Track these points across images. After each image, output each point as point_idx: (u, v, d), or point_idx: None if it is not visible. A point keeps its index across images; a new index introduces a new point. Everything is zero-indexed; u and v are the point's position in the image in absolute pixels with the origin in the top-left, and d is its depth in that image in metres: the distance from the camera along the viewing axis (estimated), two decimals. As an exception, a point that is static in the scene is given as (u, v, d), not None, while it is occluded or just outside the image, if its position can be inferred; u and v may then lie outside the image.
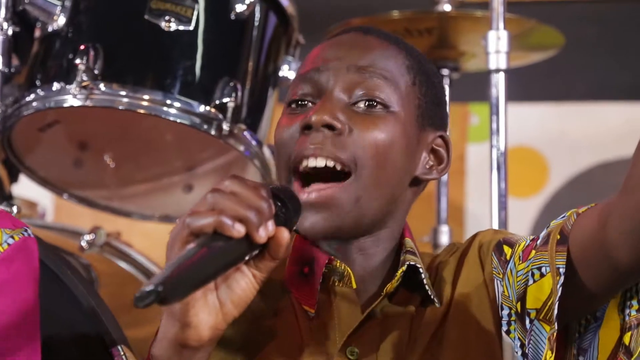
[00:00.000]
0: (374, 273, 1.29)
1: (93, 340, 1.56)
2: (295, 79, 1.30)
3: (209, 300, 1.10)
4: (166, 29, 1.79)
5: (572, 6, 2.98)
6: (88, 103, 1.75)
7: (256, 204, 1.08)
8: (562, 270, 1.16)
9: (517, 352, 1.24)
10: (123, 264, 2.09)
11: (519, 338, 1.23)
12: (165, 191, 2.13)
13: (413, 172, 1.29)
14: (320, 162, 1.23)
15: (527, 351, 1.22)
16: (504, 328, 1.24)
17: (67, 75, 1.77)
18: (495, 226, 1.96)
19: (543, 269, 1.19)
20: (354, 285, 1.26)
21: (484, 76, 2.00)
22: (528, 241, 1.25)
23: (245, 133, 1.85)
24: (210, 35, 1.82)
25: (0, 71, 1.76)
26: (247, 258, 1.11)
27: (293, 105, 1.28)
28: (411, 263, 1.27)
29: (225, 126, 1.79)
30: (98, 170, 2.10)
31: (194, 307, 1.09)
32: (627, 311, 1.19)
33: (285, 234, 1.11)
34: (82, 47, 1.75)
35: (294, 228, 1.21)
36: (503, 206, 1.96)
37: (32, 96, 1.80)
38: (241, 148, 1.86)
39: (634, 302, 1.18)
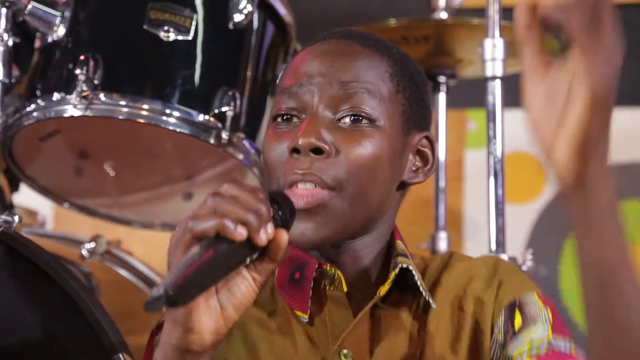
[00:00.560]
0: (364, 276, 1.31)
1: (94, 348, 1.57)
2: (279, 92, 1.32)
3: (211, 304, 1.12)
4: (165, 39, 1.81)
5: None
6: (88, 113, 1.76)
7: (256, 206, 1.10)
8: None
9: None
10: (123, 272, 2.10)
11: None
12: (165, 199, 2.15)
13: (400, 177, 1.32)
14: (309, 187, 1.25)
15: None
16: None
17: (67, 85, 1.78)
18: (493, 232, 1.97)
19: None
20: (345, 289, 1.28)
21: (482, 82, 2.01)
22: (540, 345, 1.26)
23: (244, 141, 1.86)
24: (209, 45, 1.84)
25: (1, 81, 1.77)
26: (247, 261, 1.13)
27: (279, 120, 1.30)
28: (403, 265, 1.29)
29: (224, 135, 1.80)
30: (98, 179, 2.12)
31: (196, 312, 1.11)
32: None
33: (284, 236, 1.13)
34: (81, 57, 1.77)
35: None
36: (500, 212, 1.97)
37: (33, 106, 1.81)
38: (240, 156, 1.87)
39: None
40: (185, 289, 1.04)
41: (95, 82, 1.76)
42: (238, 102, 1.83)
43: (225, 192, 1.11)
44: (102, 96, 1.77)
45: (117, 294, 2.07)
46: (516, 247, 2.73)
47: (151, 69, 1.82)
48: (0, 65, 1.77)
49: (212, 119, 1.81)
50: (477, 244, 2.80)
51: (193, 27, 1.82)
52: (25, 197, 2.21)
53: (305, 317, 1.27)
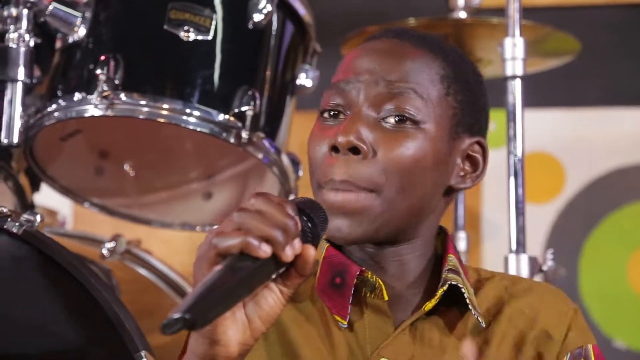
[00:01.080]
0: (409, 286, 1.29)
1: (116, 346, 1.58)
2: (329, 87, 1.30)
3: (237, 317, 1.10)
4: (185, 38, 1.81)
5: (588, 12, 2.97)
6: (109, 113, 1.77)
7: (282, 222, 1.08)
8: None
9: None
10: (143, 271, 2.10)
11: None
12: (185, 199, 2.15)
13: (446, 182, 1.29)
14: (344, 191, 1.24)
15: None
16: None
17: (88, 85, 1.79)
18: (513, 232, 1.96)
19: None
20: (386, 297, 1.26)
21: (501, 82, 2.01)
22: None
23: (264, 141, 1.86)
24: (229, 45, 1.84)
25: (22, 82, 1.78)
26: (274, 276, 1.11)
27: (325, 115, 1.29)
28: (452, 283, 1.26)
29: (244, 134, 1.81)
30: (118, 179, 2.12)
31: (222, 324, 1.09)
32: None
33: (311, 251, 1.11)
34: (102, 57, 1.78)
35: (324, 237, 1.23)
36: (520, 212, 1.96)
37: (54, 106, 1.82)
38: (260, 156, 1.87)
39: None
40: (203, 312, 1.02)
41: (116, 82, 1.77)
42: (258, 102, 1.83)
43: (252, 206, 1.09)
44: (122, 96, 1.78)
45: (136, 293, 2.08)
46: (535, 247, 2.72)
47: (171, 68, 1.82)
48: (21, 65, 1.78)
49: (232, 119, 1.82)
50: (496, 244, 2.80)
51: (213, 27, 1.83)
52: (46, 196, 2.23)
53: (344, 323, 1.25)
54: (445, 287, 1.26)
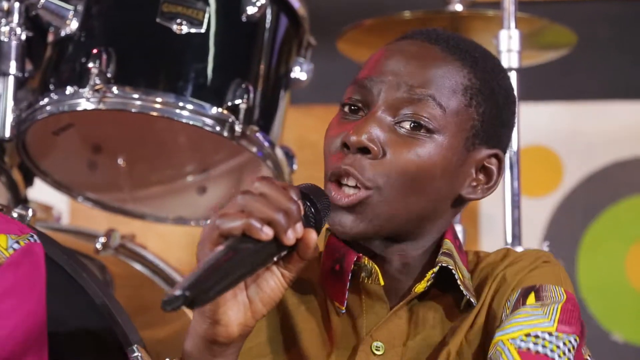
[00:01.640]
0: (407, 271, 1.30)
1: (108, 340, 1.57)
2: (353, 81, 1.30)
3: (239, 298, 1.12)
4: (178, 31, 1.80)
5: (584, 5, 2.97)
6: (101, 106, 1.76)
7: (285, 205, 1.10)
8: None
9: None
10: (138, 266, 2.10)
11: None
12: (179, 193, 2.14)
13: (456, 191, 1.29)
14: (350, 182, 1.25)
15: None
16: None
17: (80, 79, 1.78)
18: (509, 225, 1.96)
19: None
20: (382, 282, 1.27)
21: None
22: (549, 321, 1.21)
23: (258, 134, 1.85)
24: (222, 38, 1.83)
25: (14, 76, 1.78)
26: (275, 259, 1.12)
27: (345, 109, 1.29)
28: (443, 265, 1.27)
29: (238, 128, 1.80)
30: (112, 173, 2.12)
31: (223, 305, 1.12)
32: None
33: (313, 235, 1.12)
34: (94, 50, 1.77)
35: (327, 228, 1.25)
36: (516, 205, 1.96)
37: (46, 100, 1.81)
38: (254, 149, 1.87)
39: None
40: (202, 291, 1.03)
41: (108, 75, 1.76)
42: (251, 95, 1.82)
43: (255, 189, 1.11)
44: (115, 89, 1.77)
45: (131, 288, 2.08)
46: (533, 240, 2.71)
47: (164, 62, 1.82)
48: (13, 59, 1.77)
49: (225, 112, 1.81)
50: (493, 237, 2.79)
51: (206, 20, 1.82)
52: (42, 192, 2.22)
53: (342, 309, 1.27)
54: (435, 269, 1.27)
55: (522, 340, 1.19)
